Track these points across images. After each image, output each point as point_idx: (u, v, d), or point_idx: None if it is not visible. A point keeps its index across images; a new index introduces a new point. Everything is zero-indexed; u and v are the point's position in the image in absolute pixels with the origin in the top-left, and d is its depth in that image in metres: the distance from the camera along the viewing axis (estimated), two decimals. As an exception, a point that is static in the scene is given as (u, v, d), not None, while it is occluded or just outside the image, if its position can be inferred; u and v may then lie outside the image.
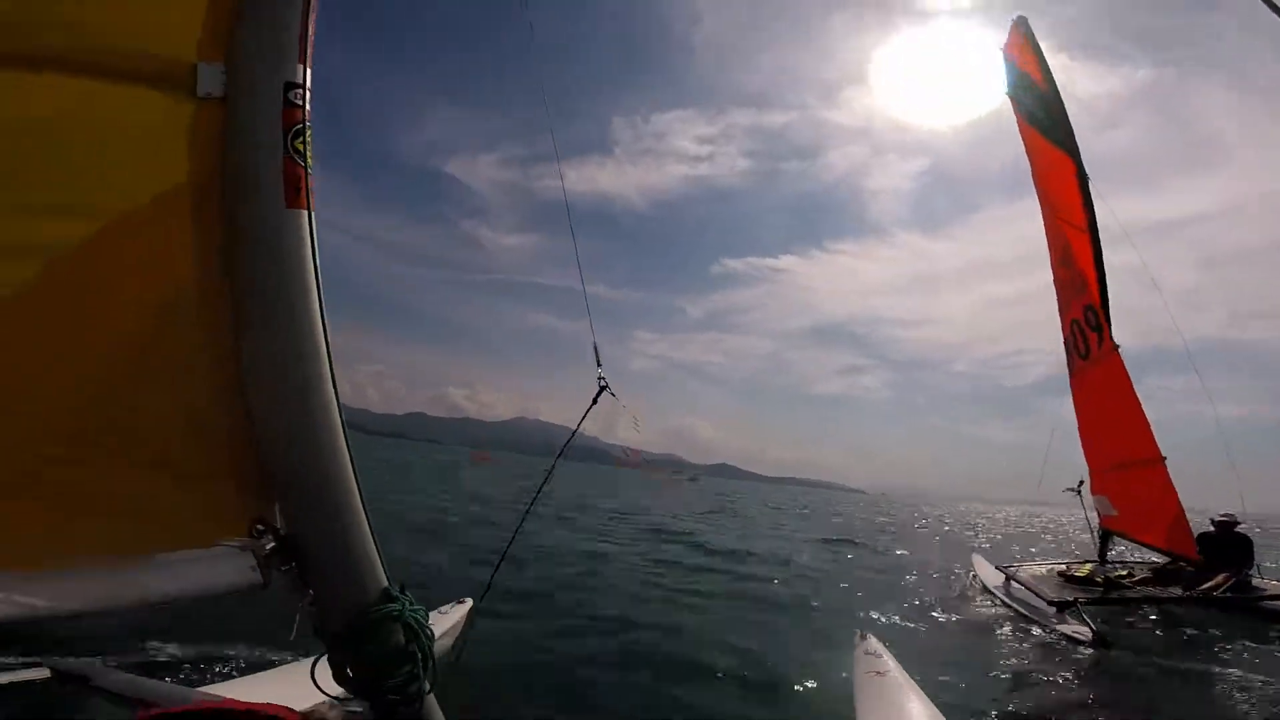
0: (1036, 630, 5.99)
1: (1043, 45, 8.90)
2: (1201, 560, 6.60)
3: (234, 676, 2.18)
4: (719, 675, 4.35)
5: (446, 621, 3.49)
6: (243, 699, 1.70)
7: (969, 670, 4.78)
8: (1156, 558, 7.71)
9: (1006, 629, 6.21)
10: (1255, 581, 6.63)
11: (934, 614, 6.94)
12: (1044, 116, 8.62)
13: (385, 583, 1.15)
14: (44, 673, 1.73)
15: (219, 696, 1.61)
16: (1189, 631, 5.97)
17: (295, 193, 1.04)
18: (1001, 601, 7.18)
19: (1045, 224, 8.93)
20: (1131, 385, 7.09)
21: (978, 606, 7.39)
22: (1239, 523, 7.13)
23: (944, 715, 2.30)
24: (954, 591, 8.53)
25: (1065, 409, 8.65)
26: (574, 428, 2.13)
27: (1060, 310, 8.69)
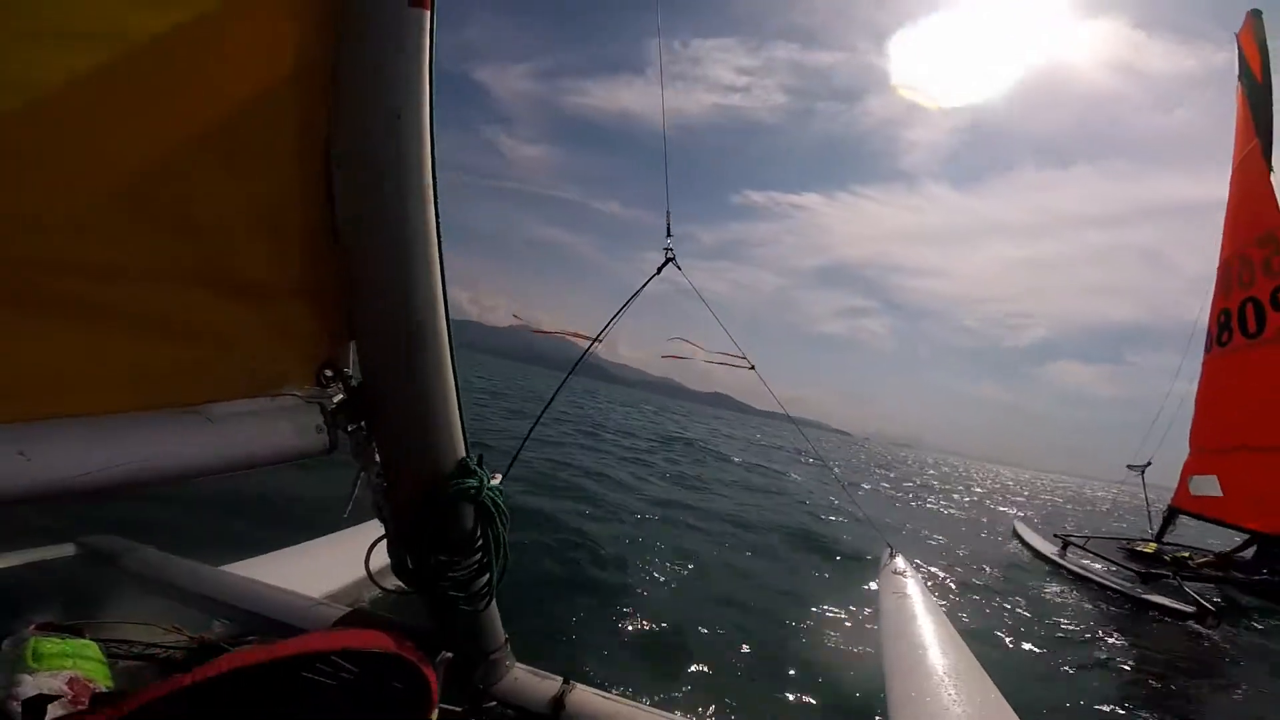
0: (1122, 602, 6.12)
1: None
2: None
3: (268, 549, 2.08)
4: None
5: None
6: (275, 580, 1.60)
7: (1065, 640, 4.87)
8: (1214, 541, 8.13)
9: (1085, 599, 6.28)
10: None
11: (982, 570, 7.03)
12: (1257, 105, 8.88)
13: (464, 454, 1.00)
14: (69, 549, 1.63)
15: (263, 586, 1.51)
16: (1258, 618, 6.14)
17: None
18: (1066, 570, 7.38)
19: (1235, 205, 8.95)
20: None
21: (1035, 574, 7.44)
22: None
23: (965, 643, 2.28)
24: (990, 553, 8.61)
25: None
26: (592, 339, 2.12)
27: (1228, 286, 8.64)
